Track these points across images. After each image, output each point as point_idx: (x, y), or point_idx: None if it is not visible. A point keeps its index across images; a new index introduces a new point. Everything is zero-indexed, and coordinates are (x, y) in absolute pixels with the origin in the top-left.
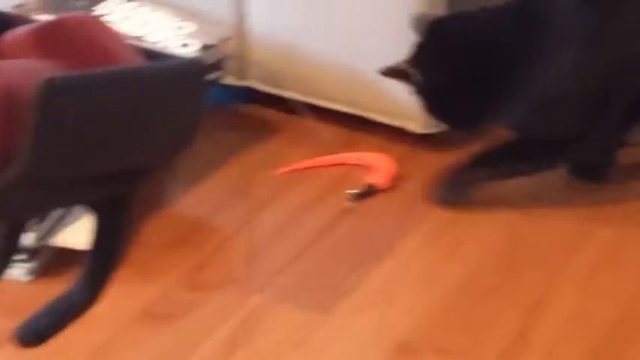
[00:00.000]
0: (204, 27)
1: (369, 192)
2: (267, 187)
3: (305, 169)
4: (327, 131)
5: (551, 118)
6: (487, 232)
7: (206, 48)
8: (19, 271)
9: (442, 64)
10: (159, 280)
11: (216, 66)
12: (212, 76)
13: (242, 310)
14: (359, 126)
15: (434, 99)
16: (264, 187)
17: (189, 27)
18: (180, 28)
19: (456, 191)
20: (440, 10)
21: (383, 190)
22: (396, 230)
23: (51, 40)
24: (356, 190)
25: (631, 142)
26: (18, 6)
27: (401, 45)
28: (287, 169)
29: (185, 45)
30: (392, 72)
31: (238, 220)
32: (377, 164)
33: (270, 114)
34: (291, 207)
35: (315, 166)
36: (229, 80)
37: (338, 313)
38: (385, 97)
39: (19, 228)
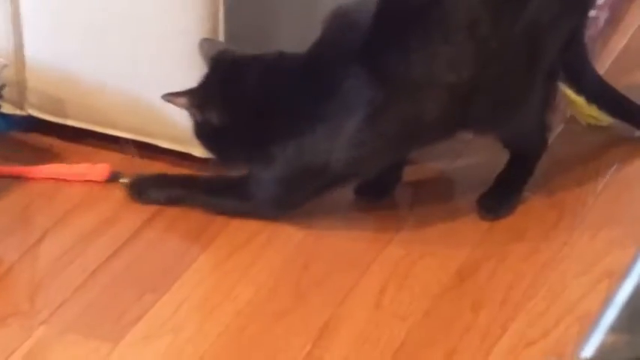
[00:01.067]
0: None
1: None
2: (48, 215)
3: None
4: (111, 156)
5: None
6: (277, 253)
7: None
8: None
9: (219, 103)
10: None
11: None
12: None
13: (26, 342)
14: (145, 150)
15: (205, 132)
16: (45, 215)
17: None
18: None
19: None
20: (217, 36)
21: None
22: (185, 254)
23: None
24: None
25: (413, 160)
26: None
27: (184, 70)
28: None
29: None
30: (173, 99)
31: (20, 250)
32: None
33: (50, 141)
34: (75, 233)
35: (25, 176)
36: (7, 109)
37: (125, 342)
38: (169, 123)
39: None
